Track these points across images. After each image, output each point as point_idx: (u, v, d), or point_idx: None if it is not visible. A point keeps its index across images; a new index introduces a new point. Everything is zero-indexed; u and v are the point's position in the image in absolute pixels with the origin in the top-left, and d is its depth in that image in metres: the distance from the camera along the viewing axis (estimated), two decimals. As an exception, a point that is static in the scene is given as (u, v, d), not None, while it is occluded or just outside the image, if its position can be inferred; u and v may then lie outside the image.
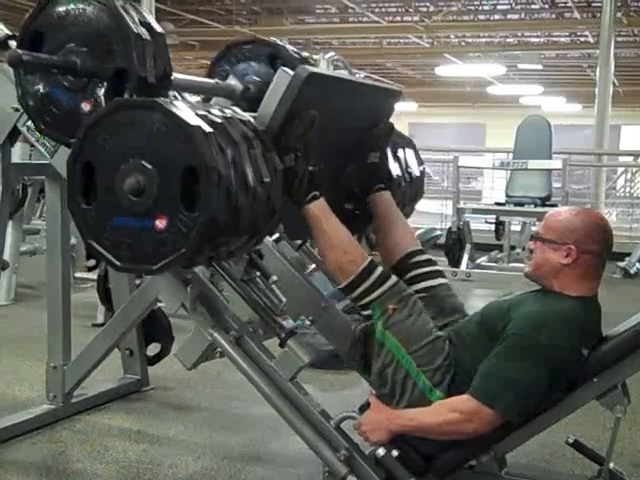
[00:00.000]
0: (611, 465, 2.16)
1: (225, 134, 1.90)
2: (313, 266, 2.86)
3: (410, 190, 2.85)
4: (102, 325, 3.70)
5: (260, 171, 1.96)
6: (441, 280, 2.45)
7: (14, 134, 2.75)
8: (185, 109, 1.88)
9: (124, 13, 2.06)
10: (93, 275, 4.53)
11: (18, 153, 4.01)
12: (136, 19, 2.08)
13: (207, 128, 1.85)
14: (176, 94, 2.56)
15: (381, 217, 2.54)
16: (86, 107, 2.10)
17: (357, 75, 7.60)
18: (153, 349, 3.48)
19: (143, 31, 2.07)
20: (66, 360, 3.06)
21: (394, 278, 2.17)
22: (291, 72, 2.11)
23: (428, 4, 13.28)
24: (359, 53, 15.66)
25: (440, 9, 13.06)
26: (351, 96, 2.37)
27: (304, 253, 2.78)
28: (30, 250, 5.58)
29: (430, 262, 2.49)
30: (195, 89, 2.75)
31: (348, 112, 2.36)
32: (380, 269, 2.17)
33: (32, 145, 2.83)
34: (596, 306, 2.15)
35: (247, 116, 2.07)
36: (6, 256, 5.03)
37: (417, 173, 2.92)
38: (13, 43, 2.76)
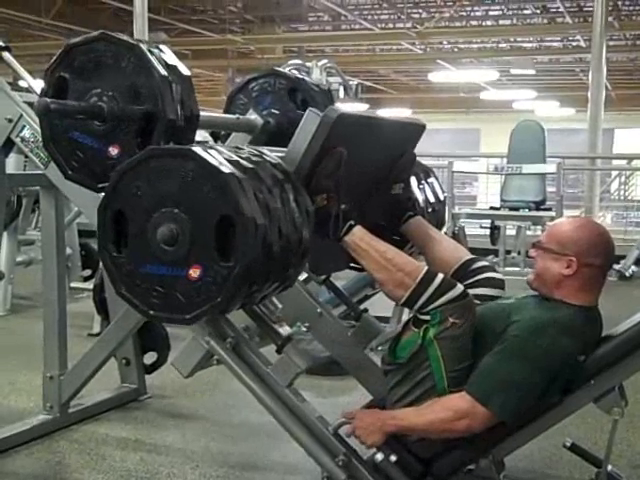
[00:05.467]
0: (609, 467, 2.16)
1: (258, 180, 1.85)
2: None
3: (433, 219, 2.82)
4: (98, 335, 3.69)
5: (293, 215, 1.92)
6: (499, 292, 2.38)
7: (8, 145, 2.75)
8: (218, 155, 1.83)
9: (150, 55, 2.02)
10: (89, 285, 4.53)
11: (13, 164, 4.01)
12: (162, 61, 2.05)
13: (240, 175, 1.79)
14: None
15: (422, 240, 2.50)
16: (114, 151, 2.05)
17: (351, 82, 7.62)
18: (150, 358, 3.48)
19: (169, 73, 2.04)
20: (63, 370, 3.05)
21: (460, 287, 2.05)
22: (320, 113, 2.07)
23: (420, 11, 13.35)
24: (352, 60, 15.69)
25: (432, 15, 13.12)
26: (376, 133, 2.35)
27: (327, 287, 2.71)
28: (25, 261, 5.56)
29: (488, 268, 2.44)
30: (217, 126, 2.73)
31: (373, 148, 2.34)
32: (441, 276, 2.05)
33: (26, 156, 2.83)
34: (596, 316, 2.16)
35: (276, 158, 2.02)
36: (1, 267, 5.08)
37: (439, 203, 2.91)
38: (7, 54, 2.78)
